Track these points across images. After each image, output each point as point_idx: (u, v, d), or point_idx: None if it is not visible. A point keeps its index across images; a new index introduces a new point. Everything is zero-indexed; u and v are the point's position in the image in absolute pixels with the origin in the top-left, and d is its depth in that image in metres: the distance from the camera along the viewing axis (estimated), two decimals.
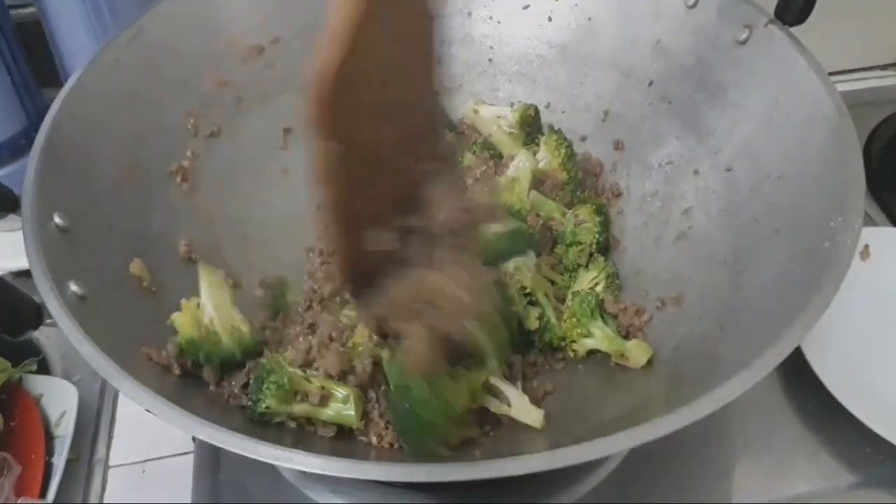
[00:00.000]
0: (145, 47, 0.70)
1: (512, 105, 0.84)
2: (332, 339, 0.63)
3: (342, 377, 0.59)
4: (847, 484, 0.70)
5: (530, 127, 0.81)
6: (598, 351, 0.65)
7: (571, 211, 0.75)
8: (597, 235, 0.72)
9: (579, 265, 0.72)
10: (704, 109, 0.72)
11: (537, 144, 0.79)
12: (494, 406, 0.60)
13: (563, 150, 0.77)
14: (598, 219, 0.72)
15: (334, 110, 0.42)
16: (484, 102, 0.85)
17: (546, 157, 0.78)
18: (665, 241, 0.72)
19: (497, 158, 0.81)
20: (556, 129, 0.80)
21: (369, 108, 0.44)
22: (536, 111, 0.82)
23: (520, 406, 0.59)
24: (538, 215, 0.74)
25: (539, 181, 0.77)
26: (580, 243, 0.72)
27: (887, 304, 0.81)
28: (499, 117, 0.82)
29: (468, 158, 0.80)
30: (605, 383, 0.63)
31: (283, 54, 0.81)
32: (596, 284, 0.70)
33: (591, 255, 0.72)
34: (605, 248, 0.74)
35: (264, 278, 0.72)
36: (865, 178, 0.55)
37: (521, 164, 0.75)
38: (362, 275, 0.51)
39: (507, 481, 0.42)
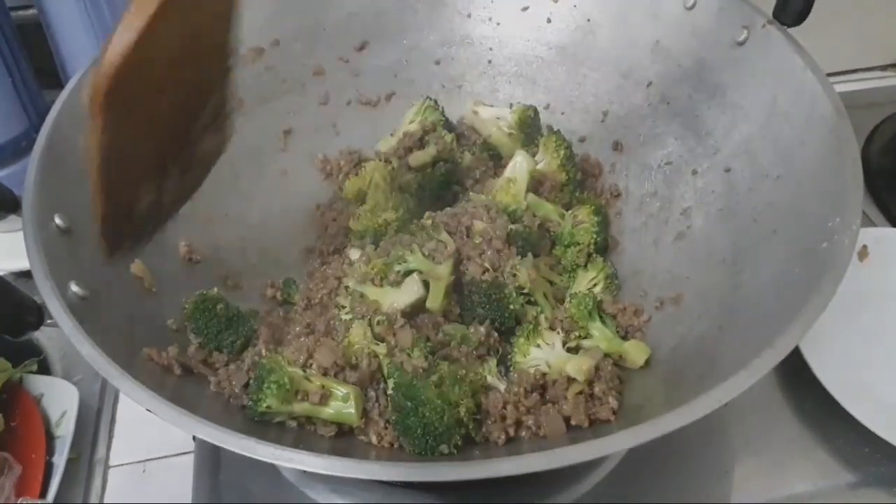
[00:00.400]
0: None
1: (511, 106, 0.84)
2: (325, 335, 0.64)
3: (338, 372, 0.59)
4: (845, 483, 0.71)
5: (529, 128, 0.82)
6: None
7: (570, 212, 0.75)
8: (594, 236, 0.72)
9: (578, 266, 0.72)
10: (703, 110, 0.72)
11: (536, 145, 0.80)
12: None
13: (562, 152, 0.77)
14: (595, 219, 0.73)
15: (113, 97, 0.45)
16: (483, 103, 0.85)
17: (545, 158, 0.78)
18: (664, 241, 0.72)
19: (496, 159, 0.81)
20: (555, 130, 0.81)
21: (154, 84, 0.49)
22: (536, 112, 0.82)
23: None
24: (535, 215, 0.74)
25: (538, 182, 0.77)
26: (578, 244, 0.72)
27: (885, 305, 0.81)
28: (498, 118, 0.82)
29: (467, 159, 0.81)
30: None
31: (283, 56, 0.81)
32: (595, 285, 0.70)
33: (589, 255, 0.72)
34: (604, 248, 0.74)
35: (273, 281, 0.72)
36: (864, 178, 0.55)
37: (518, 165, 0.75)
38: (118, 228, 0.53)
39: (506, 481, 0.42)
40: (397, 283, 0.65)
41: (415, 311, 0.65)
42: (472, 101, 0.85)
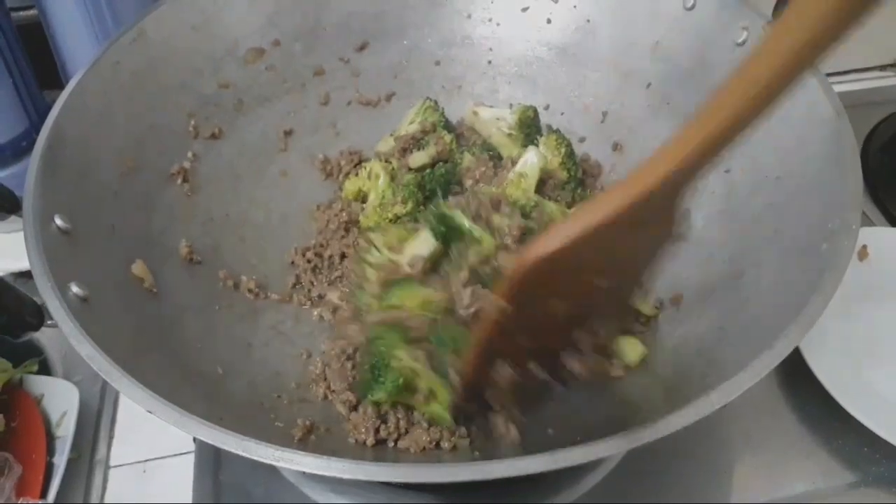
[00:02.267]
0: (146, 49, 0.71)
1: (511, 106, 0.84)
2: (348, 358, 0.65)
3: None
4: (845, 483, 0.71)
5: (529, 128, 0.82)
6: None
7: (572, 210, 0.75)
8: None
9: None
10: None
11: (536, 145, 0.80)
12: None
13: (563, 149, 0.77)
14: None
15: (526, 287, 0.45)
16: (483, 104, 0.85)
17: (546, 156, 0.78)
18: None
19: (496, 160, 0.82)
20: (554, 129, 0.81)
21: (562, 290, 0.47)
22: (535, 112, 0.82)
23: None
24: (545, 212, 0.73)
25: (541, 181, 0.77)
26: None
27: (885, 304, 0.81)
28: (498, 119, 0.82)
29: (467, 159, 0.81)
30: (604, 384, 0.63)
31: (284, 57, 0.81)
32: None
33: None
34: None
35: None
36: (863, 178, 0.55)
37: (530, 160, 0.75)
38: (474, 393, 0.55)
39: (506, 482, 0.42)
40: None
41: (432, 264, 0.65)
42: (472, 102, 0.85)
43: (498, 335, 0.50)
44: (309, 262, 0.75)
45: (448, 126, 0.84)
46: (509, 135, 0.81)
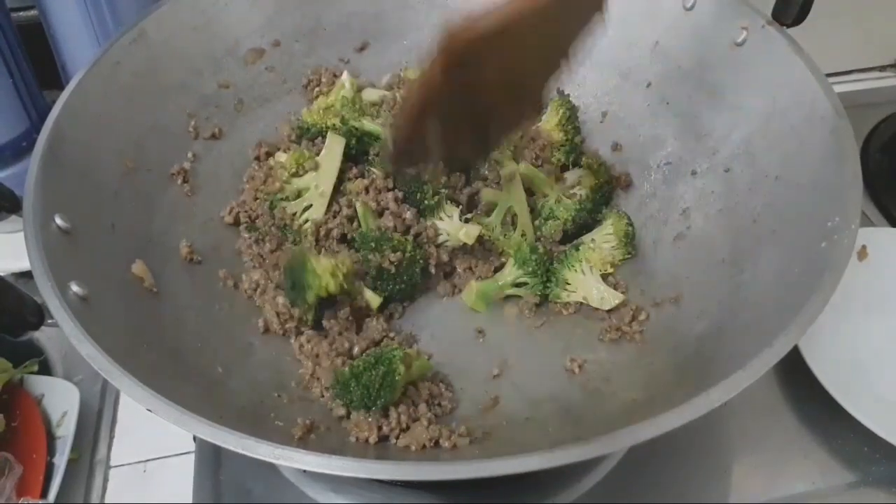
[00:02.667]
0: (146, 49, 0.71)
1: None
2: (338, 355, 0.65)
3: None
4: (845, 483, 0.71)
5: None
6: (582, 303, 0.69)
7: (559, 184, 0.75)
8: (574, 213, 0.72)
9: (554, 240, 0.73)
10: (702, 110, 0.72)
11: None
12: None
13: (561, 111, 0.77)
14: (588, 193, 0.74)
15: (459, 56, 0.49)
16: None
17: (545, 115, 0.78)
18: (663, 241, 0.72)
19: None
20: (562, 92, 0.80)
21: (490, 65, 0.51)
22: None
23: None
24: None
25: (530, 138, 0.77)
26: (556, 218, 0.73)
27: (884, 304, 0.81)
28: None
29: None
30: (602, 384, 0.63)
31: (284, 57, 0.82)
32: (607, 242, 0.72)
33: (565, 232, 0.73)
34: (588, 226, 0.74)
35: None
36: (863, 178, 0.55)
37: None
38: (405, 158, 0.62)
39: (506, 480, 0.42)
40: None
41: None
42: None
43: (431, 96, 0.53)
44: None
45: None
46: None
